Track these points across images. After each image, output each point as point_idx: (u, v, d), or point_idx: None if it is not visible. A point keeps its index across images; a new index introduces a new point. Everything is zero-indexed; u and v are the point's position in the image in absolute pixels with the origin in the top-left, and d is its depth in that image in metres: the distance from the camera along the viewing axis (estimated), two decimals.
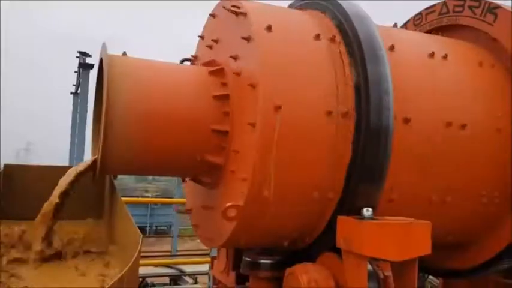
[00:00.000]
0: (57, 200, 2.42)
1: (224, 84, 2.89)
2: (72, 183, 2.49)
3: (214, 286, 3.68)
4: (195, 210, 3.34)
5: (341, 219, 2.64)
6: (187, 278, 10.30)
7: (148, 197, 23.87)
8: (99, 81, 2.90)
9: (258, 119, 2.52)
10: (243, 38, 2.68)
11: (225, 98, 2.85)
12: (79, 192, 2.66)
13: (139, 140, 2.70)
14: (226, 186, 2.86)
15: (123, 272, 1.55)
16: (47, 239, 2.47)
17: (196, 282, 10.26)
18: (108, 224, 2.76)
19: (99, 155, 2.56)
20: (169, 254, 15.98)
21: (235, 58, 2.81)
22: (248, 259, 3.09)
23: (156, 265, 10.59)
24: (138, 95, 2.68)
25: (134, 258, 1.66)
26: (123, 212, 2.39)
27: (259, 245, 3.19)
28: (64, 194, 2.44)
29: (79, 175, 2.50)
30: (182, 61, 3.42)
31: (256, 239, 2.96)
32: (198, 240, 3.94)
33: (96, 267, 2.42)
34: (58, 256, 2.49)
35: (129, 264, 1.59)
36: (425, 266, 3.96)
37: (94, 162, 2.56)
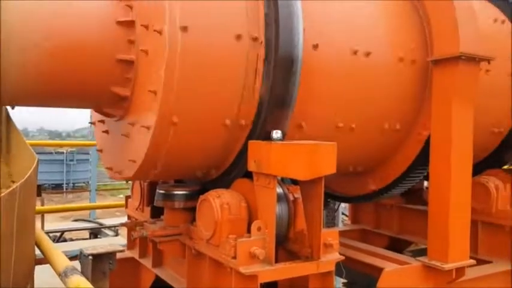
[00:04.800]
0: None
1: (129, 7, 2.71)
2: None
3: (128, 221, 3.63)
4: (100, 136, 3.22)
5: (252, 143, 2.68)
6: (107, 231, 10.11)
7: (62, 153, 22.66)
8: None
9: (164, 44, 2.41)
10: None
11: (130, 24, 2.68)
12: None
13: (37, 66, 2.50)
14: (134, 116, 2.76)
15: (15, 186, 1.44)
16: None
17: (117, 235, 10.12)
18: (6, 155, 2.57)
19: None
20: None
21: None
22: (162, 191, 3.06)
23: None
24: (34, 18, 2.46)
25: (29, 174, 1.55)
26: (19, 140, 2.22)
27: (171, 176, 3.17)
28: None
29: None
30: None
31: (168, 169, 2.93)
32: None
33: None
34: None
35: (23, 179, 1.49)
36: (334, 194, 4.21)
37: None
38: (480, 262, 3.83)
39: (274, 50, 2.67)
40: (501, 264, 3.94)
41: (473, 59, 3.26)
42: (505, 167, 4.44)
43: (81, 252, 2.30)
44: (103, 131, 3.05)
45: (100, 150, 3.21)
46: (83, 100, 2.86)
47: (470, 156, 3.37)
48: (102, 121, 3.13)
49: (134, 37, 2.66)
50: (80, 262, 2.29)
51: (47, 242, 2.11)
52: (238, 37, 2.63)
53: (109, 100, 2.80)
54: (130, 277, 3.78)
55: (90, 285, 1.50)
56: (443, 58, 3.26)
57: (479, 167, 4.17)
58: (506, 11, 4.27)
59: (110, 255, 2.30)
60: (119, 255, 3.87)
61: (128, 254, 3.87)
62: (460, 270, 3.34)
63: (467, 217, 3.38)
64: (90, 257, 2.19)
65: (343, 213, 7.73)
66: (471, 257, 3.42)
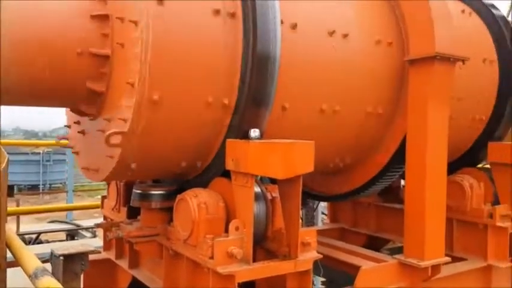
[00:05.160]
0: None
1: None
2: None
3: (103, 222, 3.57)
4: (75, 136, 3.16)
5: (230, 141, 2.67)
6: (84, 233, 9.95)
7: (39, 153, 22.23)
8: None
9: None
10: None
11: (104, 18, 2.61)
12: None
13: (12, 65, 2.44)
14: (109, 113, 2.71)
15: None
16: None
17: (95, 236, 9.97)
18: None
19: None
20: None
21: None
22: (138, 191, 3.01)
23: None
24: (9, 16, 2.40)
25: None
26: None
27: (148, 175, 3.13)
28: None
29: None
30: None
31: (145, 169, 2.89)
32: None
33: None
34: None
35: None
36: (313, 193, 4.22)
37: None
38: (455, 259, 3.89)
39: (252, 48, 2.67)
40: (476, 262, 4.01)
41: (448, 59, 3.31)
42: (479, 165, 4.53)
43: (52, 253, 2.24)
44: (78, 131, 2.99)
45: (76, 153, 3.14)
46: (58, 97, 2.81)
47: (445, 155, 3.43)
48: (77, 122, 3.08)
49: (109, 30, 2.61)
50: (51, 263, 2.23)
51: (17, 243, 2.06)
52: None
53: (84, 96, 2.75)
54: (106, 278, 3.73)
55: (61, 286, 1.47)
56: (419, 58, 3.31)
57: (455, 166, 4.24)
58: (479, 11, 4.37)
59: (82, 255, 2.25)
60: (95, 257, 3.83)
61: (104, 255, 3.81)
62: (435, 268, 3.39)
63: (443, 215, 3.43)
64: (61, 258, 2.14)
65: (322, 213, 7.76)
66: (446, 255, 3.47)
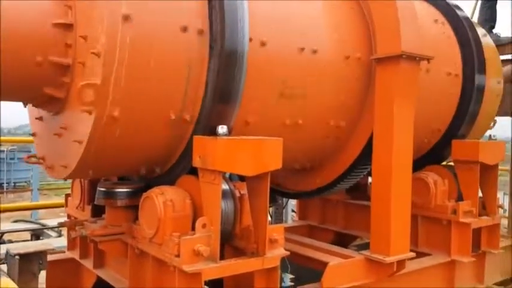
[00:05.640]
0: None
1: (69, 8, 2.55)
2: None
3: (67, 220, 3.47)
4: (40, 139, 3.06)
5: (197, 138, 2.63)
6: (50, 232, 9.69)
7: (3, 151, 21.51)
8: None
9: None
10: None
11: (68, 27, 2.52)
12: None
13: None
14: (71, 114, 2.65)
15: None
16: None
17: (60, 236, 9.72)
18: None
19: None
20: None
21: None
22: (103, 189, 2.94)
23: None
24: None
25: None
26: None
27: (113, 173, 3.07)
28: None
29: None
30: None
31: (109, 166, 2.83)
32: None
33: None
34: None
35: None
36: (283, 191, 4.22)
37: None
38: (420, 255, 3.97)
39: (220, 44, 2.64)
40: (439, 257, 4.10)
41: (414, 58, 3.36)
42: (444, 163, 4.63)
43: (7, 252, 2.15)
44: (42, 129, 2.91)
45: (42, 158, 3.03)
46: (17, 97, 2.73)
47: (411, 152, 3.48)
48: (39, 118, 2.98)
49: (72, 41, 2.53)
50: (6, 263, 2.14)
51: None
52: (184, 29, 2.58)
53: (44, 99, 2.68)
54: (70, 278, 3.63)
55: (15, 286, 1.40)
56: (386, 56, 3.35)
57: (420, 163, 4.32)
58: (444, 12, 4.47)
59: (40, 254, 2.16)
60: (58, 256, 3.73)
61: (68, 254, 3.71)
62: (400, 263, 3.44)
63: (408, 211, 3.49)
64: (17, 257, 2.05)
65: (293, 210, 7.79)
66: (411, 250, 3.53)
